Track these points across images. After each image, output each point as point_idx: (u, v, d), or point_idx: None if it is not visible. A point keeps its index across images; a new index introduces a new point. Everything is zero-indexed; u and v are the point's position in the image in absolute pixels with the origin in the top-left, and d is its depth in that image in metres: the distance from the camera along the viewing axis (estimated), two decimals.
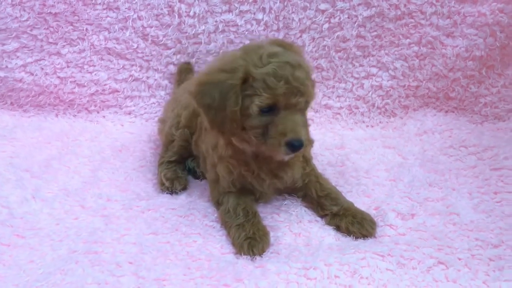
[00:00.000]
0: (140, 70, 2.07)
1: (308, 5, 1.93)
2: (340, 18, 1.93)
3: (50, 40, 2.02)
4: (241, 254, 1.29)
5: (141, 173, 1.72)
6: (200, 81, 1.29)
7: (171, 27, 1.99)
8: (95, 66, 2.06)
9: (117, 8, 1.98)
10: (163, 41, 2.02)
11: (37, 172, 1.70)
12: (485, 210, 1.44)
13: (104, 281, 1.20)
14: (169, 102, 1.83)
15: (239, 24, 1.97)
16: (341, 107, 2.04)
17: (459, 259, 1.25)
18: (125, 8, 1.98)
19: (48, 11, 1.96)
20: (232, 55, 1.30)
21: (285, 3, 1.93)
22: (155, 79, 2.08)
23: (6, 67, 2.04)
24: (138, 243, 1.34)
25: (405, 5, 1.89)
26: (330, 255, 1.25)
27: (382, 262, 1.23)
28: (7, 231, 1.40)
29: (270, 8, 1.94)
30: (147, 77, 2.08)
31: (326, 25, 1.95)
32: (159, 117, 1.84)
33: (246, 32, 1.98)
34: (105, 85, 2.08)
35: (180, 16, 1.97)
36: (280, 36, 1.96)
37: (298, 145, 1.23)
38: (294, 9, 1.94)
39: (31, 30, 2.00)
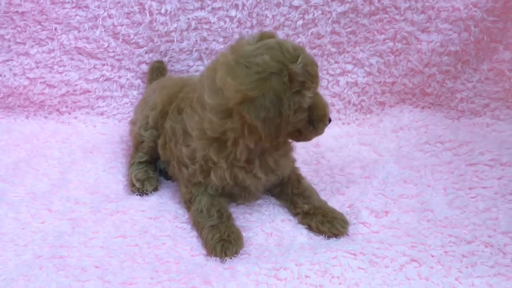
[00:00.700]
0: (111, 70, 2.03)
1: (281, 1, 1.90)
2: (314, 15, 1.91)
3: (18, 40, 1.97)
4: (212, 256, 1.27)
5: (112, 174, 1.69)
6: (247, 98, 1.18)
7: (142, 25, 1.95)
8: (65, 66, 2.01)
9: (86, 6, 1.93)
10: (134, 40, 1.98)
11: (4, 176, 1.65)
12: (460, 206, 1.43)
13: (68, 286, 1.17)
14: (139, 103, 1.78)
15: (212, 21, 1.94)
16: None
17: (432, 256, 1.24)
18: (95, 7, 1.93)
19: (15, 10, 1.91)
20: (261, 60, 1.19)
21: (258, 0, 1.90)
22: (127, 79, 2.04)
23: None
24: (105, 246, 1.31)
25: (379, 1, 1.88)
26: (301, 255, 1.23)
27: (354, 261, 1.21)
28: None
29: (243, 5, 1.91)
30: (119, 77, 2.04)
31: (300, 22, 1.92)
32: (130, 119, 1.80)
33: (219, 30, 1.95)
34: (76, 85, 2.03)
35: (151, 14, 1.93)
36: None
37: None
38: (267, 6, 1.91)
39: None
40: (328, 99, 2.00)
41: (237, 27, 1.95)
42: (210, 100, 1.25)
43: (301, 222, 1.40)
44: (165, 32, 1.95)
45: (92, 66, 2.02)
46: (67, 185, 1.60)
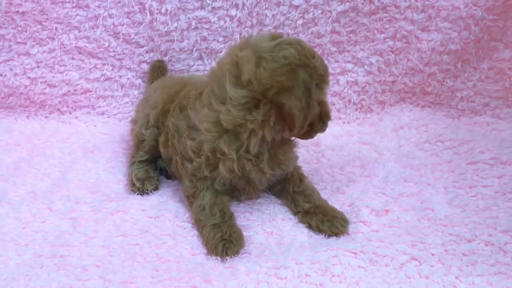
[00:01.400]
0: (112, 69, 2.03)
1: (281, 0, 1.90)
2: (314, 14, 1.91)
3: (19, 40, 1.97)
4: (212, 255, 1.27)
5: (113, 174, 1.69)
6: (284, 88, 1.19)
7: (142, 25, 1.95)
8: (66, 66, 2.01)
9: (87, 6, 1.93)
10: (135, 39, 1.98)
11: (5, 175, 1.65)
12: (460, 204, 1.43)
13: (69, 285, 1.16)
14: (140, 102, 1.79)
15: (212, 21, 1.94)
16: None
17: (433, 254, 1.24)
18: (95, 6, 1.93)
19: (16, 10, 1.91)
20: (288, 53, 1.20)
21: None
22: (128, 78, 2.04)
23: None
24: (106, 245, 1.31)
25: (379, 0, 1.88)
26: (302, 254, 1.23)
27: (354, 260, 1.21)
28: None
29: (243, 4, 1.91)
30: (120, 76, 2.04)
31: (300, 21, 1.92)
32: (131, 118, 1.81)
33: (220, 29, 1.95)
34: (76, 85, 2.03)
35: (151, 13, 1.93)
36: (254, 32, 1.94)
37: None
38: (267, 5, 1.91)
39: None
40: (328, 98, 1.98)
41: (237, 26, 1.95)
42: (233, 93, 1.24)
43: (301, 221, 1.40)
44: (166, 31, 1.95)
45: (93, 65, 2.02)
46: (67, 185, 1.60)
